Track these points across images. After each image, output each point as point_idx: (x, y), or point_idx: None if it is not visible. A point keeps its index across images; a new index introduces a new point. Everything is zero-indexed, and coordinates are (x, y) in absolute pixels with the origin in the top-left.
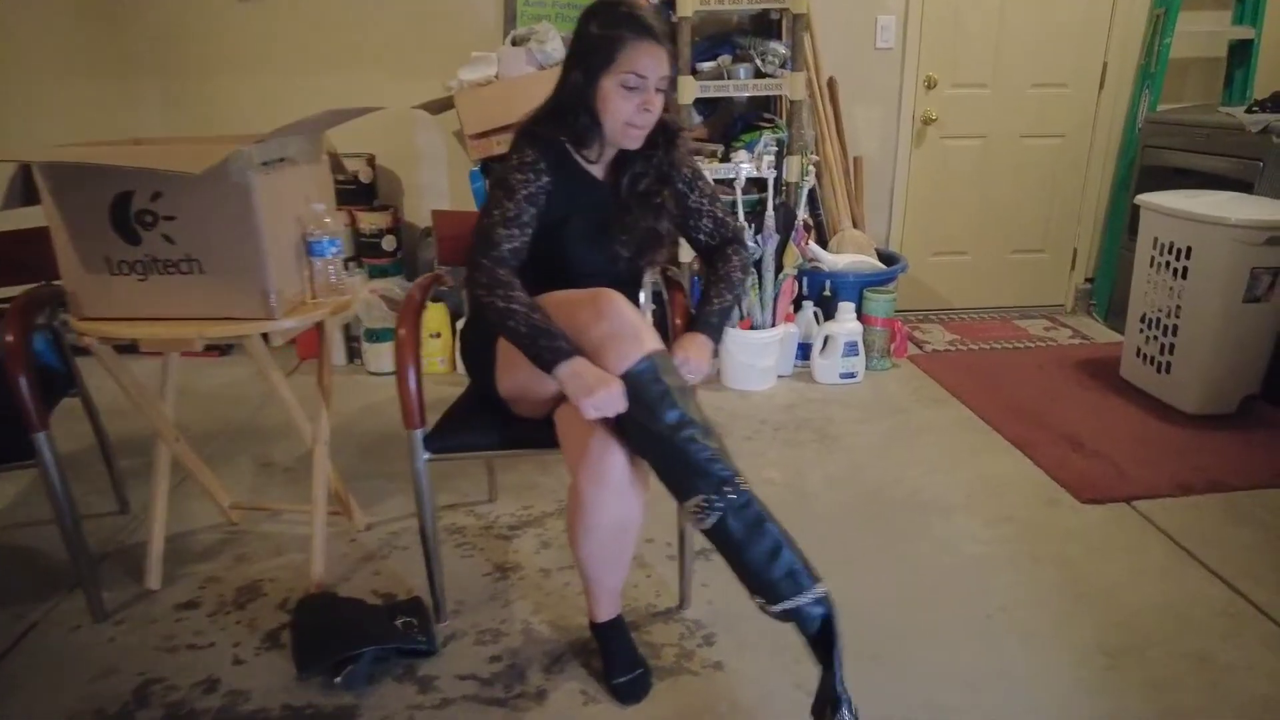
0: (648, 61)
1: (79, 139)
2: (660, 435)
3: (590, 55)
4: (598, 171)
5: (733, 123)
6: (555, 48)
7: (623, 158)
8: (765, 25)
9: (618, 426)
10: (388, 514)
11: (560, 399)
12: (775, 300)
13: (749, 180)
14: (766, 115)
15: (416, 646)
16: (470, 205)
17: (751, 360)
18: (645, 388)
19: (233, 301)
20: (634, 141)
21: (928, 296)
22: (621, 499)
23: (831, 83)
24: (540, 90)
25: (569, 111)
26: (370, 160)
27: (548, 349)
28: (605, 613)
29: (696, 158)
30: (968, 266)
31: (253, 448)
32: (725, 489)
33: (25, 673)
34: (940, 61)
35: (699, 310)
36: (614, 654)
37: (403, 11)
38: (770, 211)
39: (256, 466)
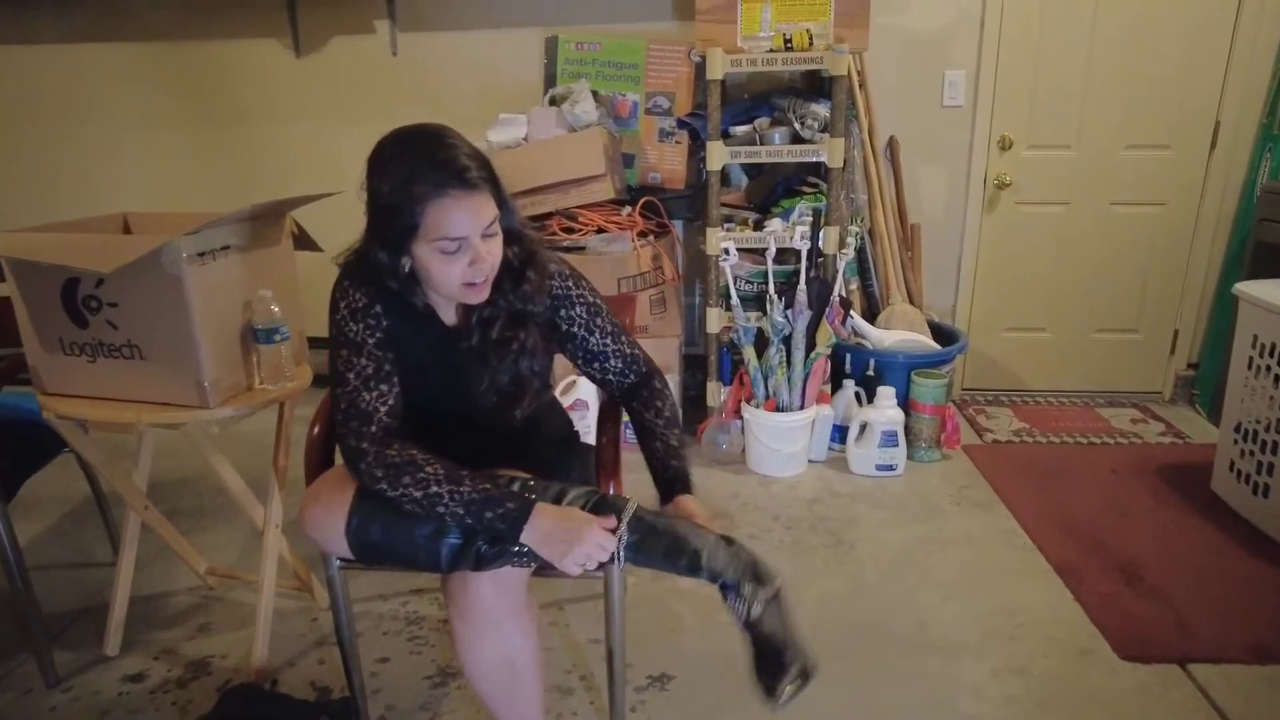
0: (460, 219)
1: (153, 189)
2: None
3: (389, 225)
4: (446, 314)
5: (775, 187)
6: (586, 109)
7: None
8: (818, 85)
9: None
10: (357, 593)
11: None
12: (805, 381)
13: (787, 251)
14: (812, 180)
15: None
16: None
17: (776, 445)
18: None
19: (170, 389)
20: (479, 296)
21: (999, 375)
22: (497, 634)
23: (893, 143)
24: (571, 154)
25: (387, 276)
26: None
27: (499, 519)
28: None
29: (727, 225)
30: (1046, 344)
31: (256, 506)
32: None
33: None
34: (1016, 120)
35: (662, 468)
36: None
37: (448, 69)
38: (802, 286)
39: (252, 528)
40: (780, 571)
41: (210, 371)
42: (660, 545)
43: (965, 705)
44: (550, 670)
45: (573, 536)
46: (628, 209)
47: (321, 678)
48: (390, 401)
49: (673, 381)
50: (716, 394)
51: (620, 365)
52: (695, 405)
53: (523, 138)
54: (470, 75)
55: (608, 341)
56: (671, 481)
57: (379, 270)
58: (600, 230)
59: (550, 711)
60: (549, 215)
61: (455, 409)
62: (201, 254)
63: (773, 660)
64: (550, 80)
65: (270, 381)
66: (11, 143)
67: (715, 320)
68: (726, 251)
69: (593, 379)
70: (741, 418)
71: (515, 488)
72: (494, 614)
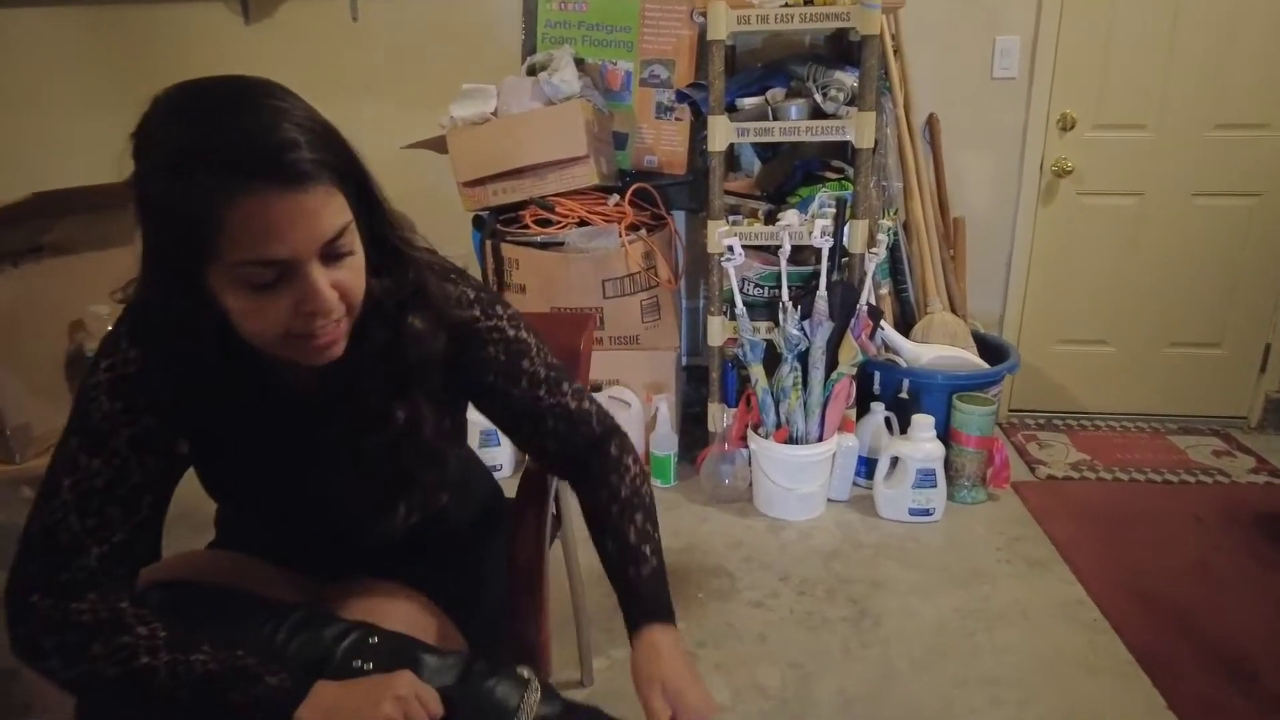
0: (276, 231)
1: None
2: None
3: (165, 244)
4: (291, 374)
5: (792, 172)
6: (567, 79)
7: None
8: (843, 50)
9: None
10: None
11: None
12: (825, 407)
13: (805, 248)
14: (836, 164)
15: None
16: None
17: (788, 483)
18: None
19: None
20: (322, 355)
21: (1052, 395)
22: None
23: (932, 121)
24: (547, 131)
25: (175, 326)
26: None
27: (255, 700)
28: None
29: (733, 218)
30: (1109, 360)
31: None
32: None
33: None
34: (1081, 95)
35: (619, 581)
36: None
37: (415, 36)
38: (823, 291)
39: None
40: None
41: (14, 415)
42: None
43: None
44: None
45: (365, 708)
46: (616, 198)
47: None
48: (115, 539)
49: (669, 402)
50: (719, 418)
51: (562, 428)
52: (696, 425)
53: (491, 112)
54: (441, 43)
55: (540, 394)
56: (631, 603)
57: (166, 315)
58: (582, 223)
59: None
60: (522, 205)
61: (307, 517)
62: None
63: None
64: (531, 48)
65: None
66: None
67: (718, 331)
68: (730, 249)
69: (523, 448)
70: (748, 447)
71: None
72: None
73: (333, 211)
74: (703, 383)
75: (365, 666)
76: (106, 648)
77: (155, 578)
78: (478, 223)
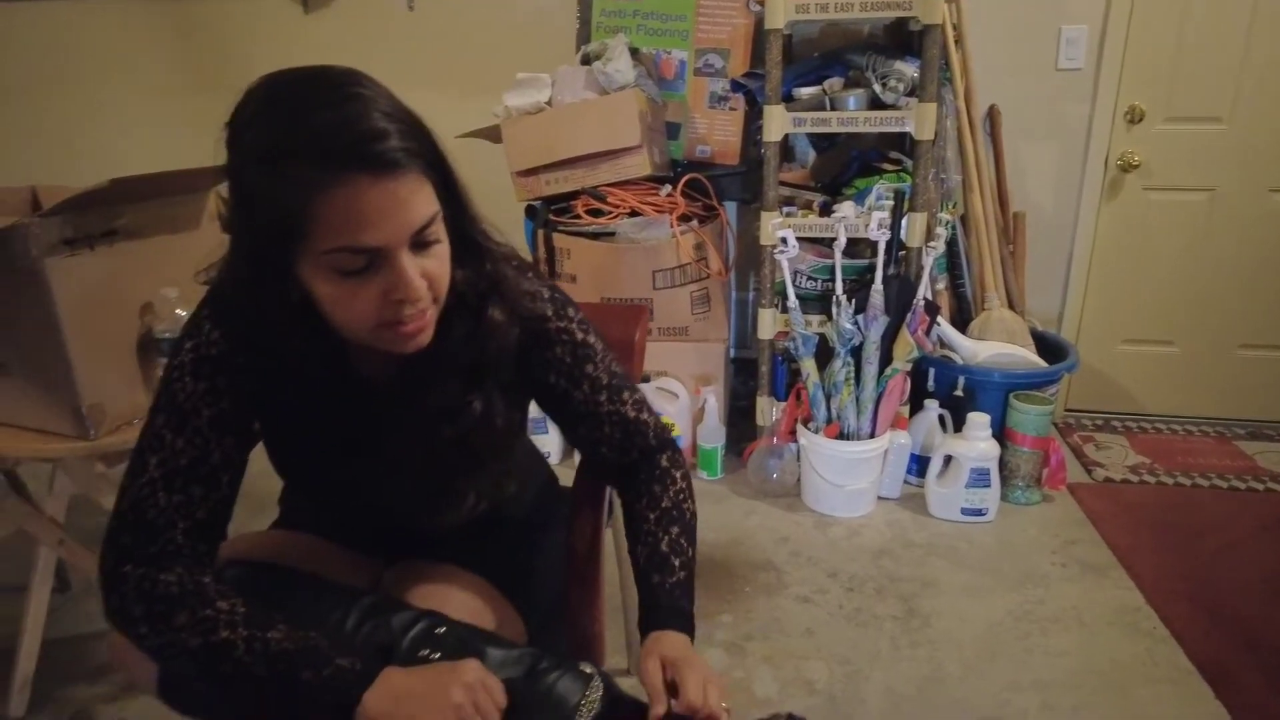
0: (369, 220)
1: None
2: None
3: (256, 231)
4: (364, 361)
5: (848, 164)
6: (621, 68)
7: None
8: (903, 40)
9: None
10: None
11: None
12: (877, 404)
13: (861, 241)
14: (894, 156)
15: None
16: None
17: (838, 480)
18: None
19: (43, 414)
20: (411, 343)
21: (1111, 396)
22: None
23: (994, 113)
24: (601, 120)
25: (264, 311)
26: None
27: (326, 681)
28: None
29: (787, 209)
30: (1173, 361)
31: None
32: None
33: None
34: (1151, 87)
35: (643, 585)
36: None
37: (470, 25)
38: (878, 285)
39: None
40: None
41: (89, 394)
42: None
43: None
44: None
45: (427, 701)
46: (668, 188)
47: None
48: (198, 515)
49: (716, 394)
50: (768, 412)
51: (618, 435)
52: (743, 419)
53: (545, 101)
54: (496, 32)
55: (600, 399)
56: (650, 609)
57: (252, 300)
58: (634, 213)
59: None
60: (574, 195)
61: (375, 502)
62: (70, 242)
63: None
64: (585, 37)
65: None
66: None
67: (769, 324)
68: (784, 241)
69: (577, 448)
70: (797, 441)
71: (363, 635)
72: None
73: (422, 200)
74: (751, 376)
75: (432, 655)
76: (191, 619)
77: (229, 555)
78: (530, 212)
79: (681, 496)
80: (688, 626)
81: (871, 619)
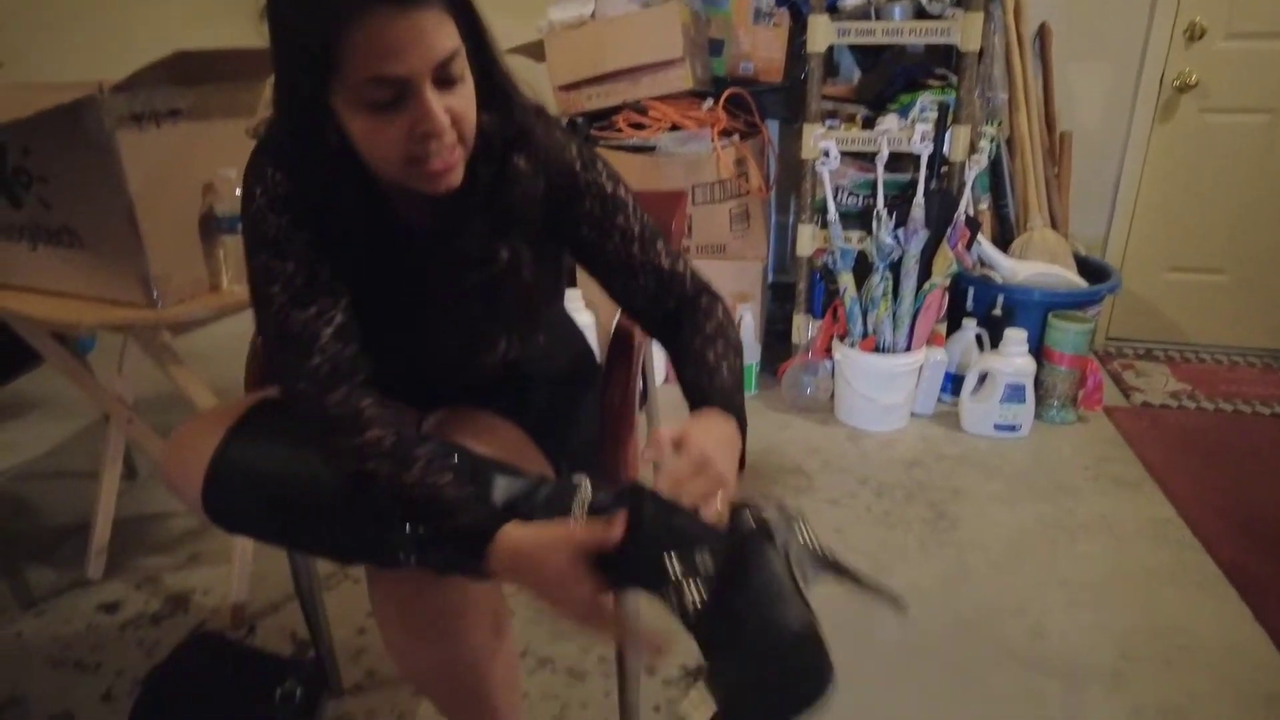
0: (393, 48)
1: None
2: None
3: (294, 67)
4: (406, 207)
5: (892, 79)
6: None
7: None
8: None
9: None
10: None
11: None
12: (914, 318)
13: (903, 157)
14: (940, 71)
15: None
16: None
17: (872, 393)
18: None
19: (113, 284)
20: (439, 183)
21: (1155, 324)
22: (433, 639)
23: (1044, 30)
24: (643, 33)
25: (307, 150)
26: None
27: (450, 536)
28: None
29: (829, 123)
30: (1221, 289)
31: None
32: None
33: None
34: (1212, 1)
35: (692, 390)
36: None
37: None
38: (919, 199)
39: None
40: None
41: (157, 264)
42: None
43: None
44: (565, 648)
45: (542, 585)
46: (710, 103)
47: (305, 630)
48: (338, 319)
49: (753, 311)
50: (804, 329)
51: (653, 285)
52: (780, 341)
53: (589, 14)
54: None
55: (633, 250)
56: (696, 402)
57: (297, 143)
58: (674, 127)
59: (556, 699)
60: (615, 110)
61: (407, 346)
62: (138, 116)
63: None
64: None
65: (239, 282)
66: None
67: (808, 240)
68: (826, 153)
69: (616, 301)
70: (832, 358)
71: (471, 492)
72: (428, 615)
73: (445, 34)
74: (788, 300)
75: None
76: (347, 444)
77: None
78: (572, 127)
79: (725, 324)
80: (731, 408)
81: (900, 521)
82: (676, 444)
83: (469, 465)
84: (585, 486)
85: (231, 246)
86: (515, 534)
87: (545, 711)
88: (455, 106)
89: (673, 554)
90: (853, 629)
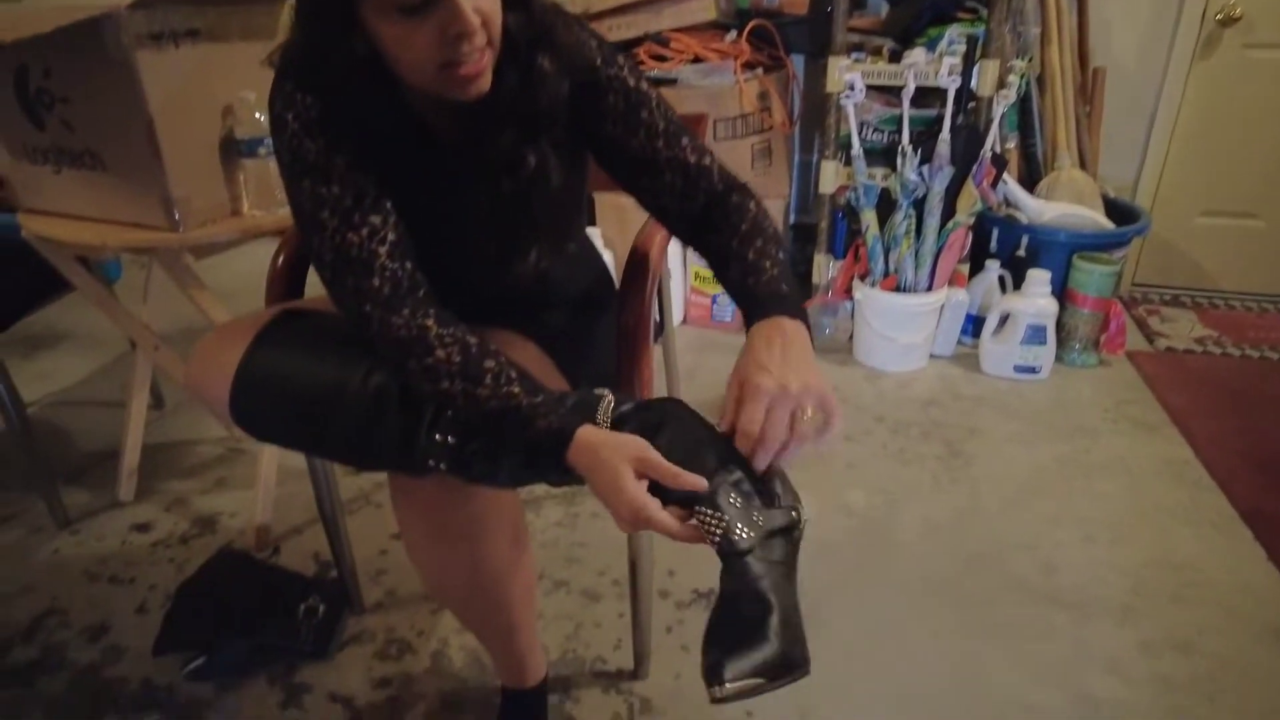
0: None
1: None
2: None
3: None
4: (436, 119)
5: (920, 13)
6: None
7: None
8: None
9: None
10: None
11: None
12: (936, 257)
13: (929, 92)
14: (969, 4)
15: (293, 647)
16: None
17: (891, 332)
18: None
19: (136, 207)
20: (471, 87)
21: (1183, 270)
22: (453, 546)
23: None
24: None
25: (335, 67)
26: None
27: (528, 442)
28: (507, 679)
29: (855, 55)
30: (1256, 235)
31: None
32: None
33: None
34: None
35: (741, 294)
36: None
37: None
38: (945, 135)
39: None
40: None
41: (178, 187)
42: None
43: (1097, 683)
44: (580, 571)
45: (602, 491)
46: (733, 34)
47: (328, 551)
48: (391, 236)
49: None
50: (824, 269)
51: (679, 182)
52: (800, 283)
53: None
54: None
55: (658, 146)
56: (750, 309)
57: (324, 58)
58: (696, 60)
59: (571, 619)
60: (638, 41)
61: (440, 259)
62: (157, 36)
63: (739, 627)
64: None
65: (259, 207)
66: None
67: (831, 177)
68: (851, 87)
69: (644, 206)
70: (852, 299)
71: (544, 398)
72: (452, 524)
73: None
74: (809, 242)
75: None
76: (419, 365)
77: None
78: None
79: (760, 218)
80: (786, 306)
81: (914, 458)
82: (747, 392)
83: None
84: (609, 397)
85: (252, 171)
86: (590, 434)
87: (560, 630)
88: (483, 7)
89: (734, 495)
90: (865, 561)
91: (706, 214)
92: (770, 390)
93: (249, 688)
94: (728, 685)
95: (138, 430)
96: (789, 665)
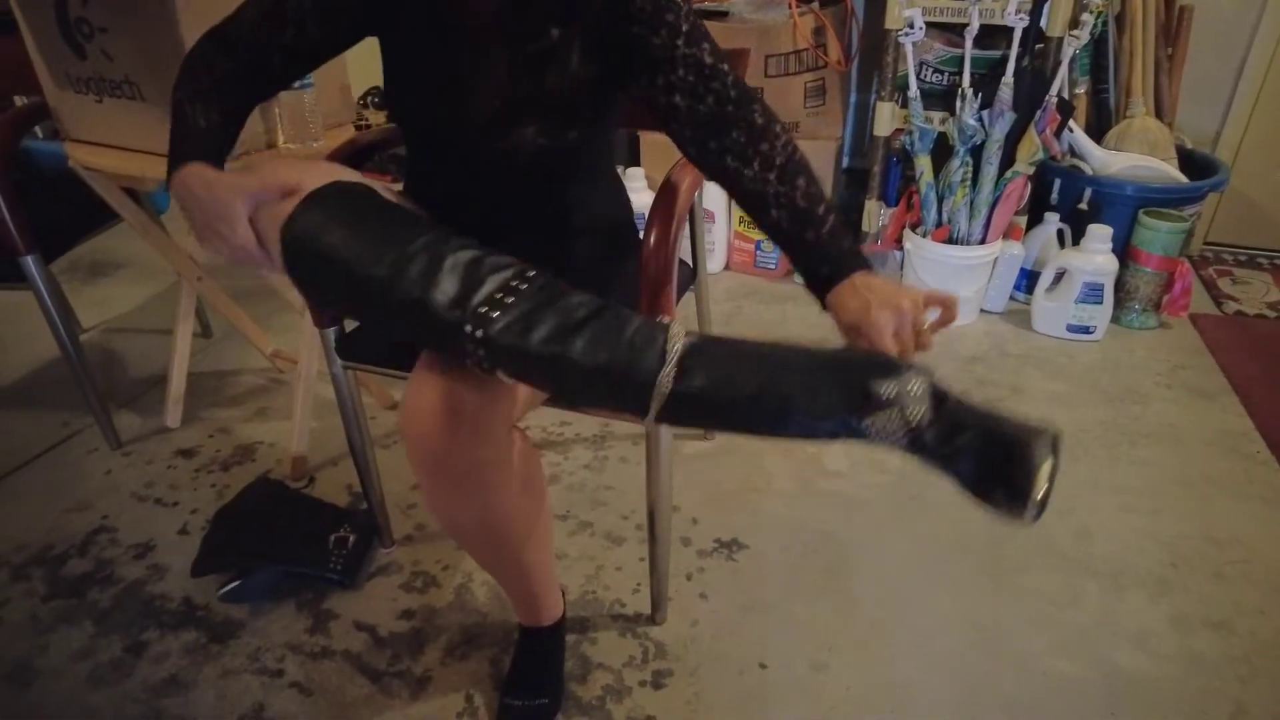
0: None
1: None
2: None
3: None
4: None
5: None
6: None
7: None
8: None
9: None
10: None
11: None
12: (992, 208)
13: (994, 31)
14: None
15: (323, 575)
16: None
17: (942, 286)
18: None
19: None
20: None
21: (1262, 229)
22: (464, 489)
23: None
24: None
25: None
26: None
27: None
28: (524, 618)
29: None
30: None
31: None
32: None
33: (28, 488)
34: None
35: (795, 249)
36: (519, 668)
37: None
38: (1009, 78)
39: None
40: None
41: None
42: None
43: (1123, 656)
44: (605, 514)
45: (204, 192)
46: None
47: (360, 485)
48: (259, 37)
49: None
50: (875, 216)
51: (691, 78)
52: (850, 231)
53: None
54: None
55: (677, 43)
56: (818, 265)
57: None
58: None
59: (592, 560)
60: None
61: (442, 104)
62: None
63: (995, 458)
64: None
65: (295, 141)
66: None
67: (886, 119)
68: (911, 24)
69: (656, 112)
70: (902, 248)
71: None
72: (460, 470)
73: None
74: (860, 189)
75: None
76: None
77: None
78: None
79: (791, 147)
80: (859, 263)
81: None
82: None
83: (539, 284)
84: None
85: (287, 103)
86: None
87: (580, 571)
88: None
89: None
90: (896, 519)
91: (717, 125)
92: (888, 320)
93: (279, 612)
94: (1038, 492)
95: (183, 359)
96: (1047, 435)
